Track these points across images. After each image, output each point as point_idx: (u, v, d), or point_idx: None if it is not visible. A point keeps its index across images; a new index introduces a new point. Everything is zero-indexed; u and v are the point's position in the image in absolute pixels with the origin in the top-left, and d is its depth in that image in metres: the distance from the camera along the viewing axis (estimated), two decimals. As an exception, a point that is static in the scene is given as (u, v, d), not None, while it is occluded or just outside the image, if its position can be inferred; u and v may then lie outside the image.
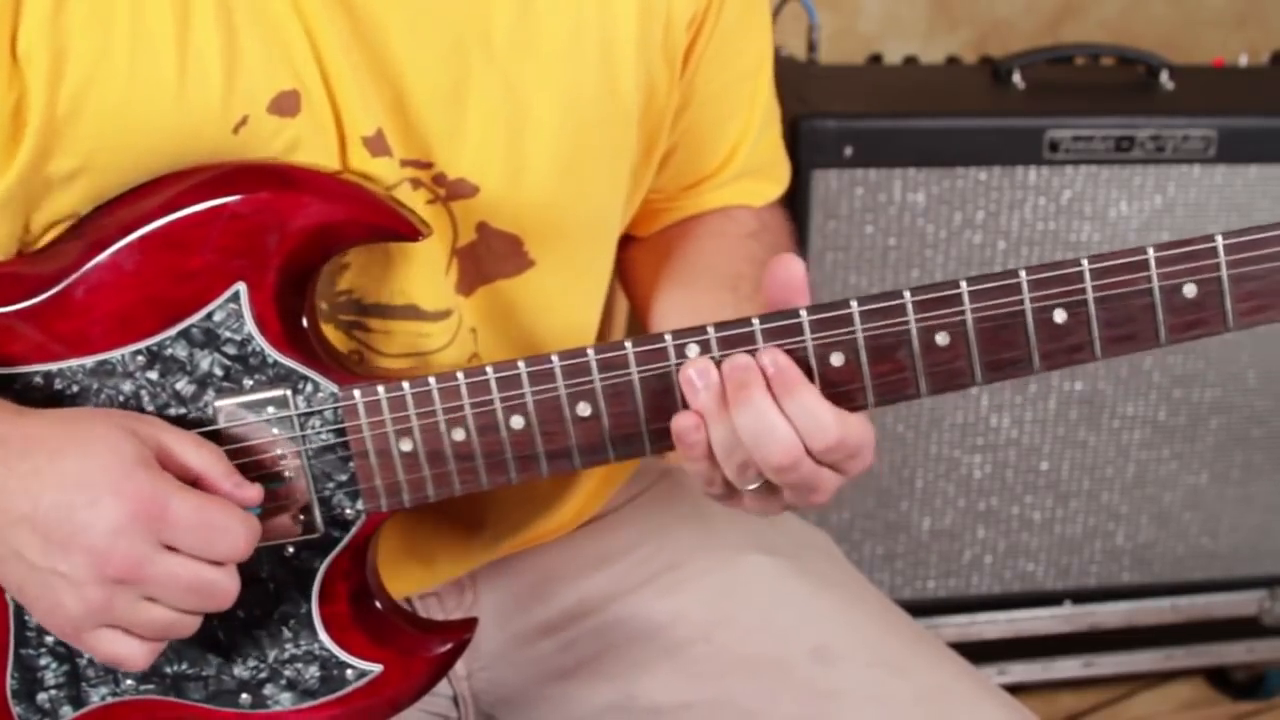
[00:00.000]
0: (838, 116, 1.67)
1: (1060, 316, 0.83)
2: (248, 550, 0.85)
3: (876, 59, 1.94)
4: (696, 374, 0.84)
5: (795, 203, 1.66)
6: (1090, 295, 0.83)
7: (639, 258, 1.11)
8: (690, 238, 1.10)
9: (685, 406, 0.86)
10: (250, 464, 0.90)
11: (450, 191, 0.95)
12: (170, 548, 0.83)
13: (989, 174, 1.70)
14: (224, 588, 0.85)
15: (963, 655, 1.12)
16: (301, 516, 0.91)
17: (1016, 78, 1.79)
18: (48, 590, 0.84)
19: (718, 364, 0.85)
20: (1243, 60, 1.95)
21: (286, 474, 0.90)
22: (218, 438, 0.90)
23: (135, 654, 0.86)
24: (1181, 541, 1.90)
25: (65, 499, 0.82)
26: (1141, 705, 2.04)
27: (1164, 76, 1.81)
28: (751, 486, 0.86)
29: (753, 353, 0.84)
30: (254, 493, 0.87)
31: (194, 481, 0.85)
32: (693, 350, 0.85)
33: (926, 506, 1.83)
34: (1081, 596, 1.91)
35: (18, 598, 0.87)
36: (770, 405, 0.83)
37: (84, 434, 0.84)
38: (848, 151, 1.67)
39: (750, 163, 1.12)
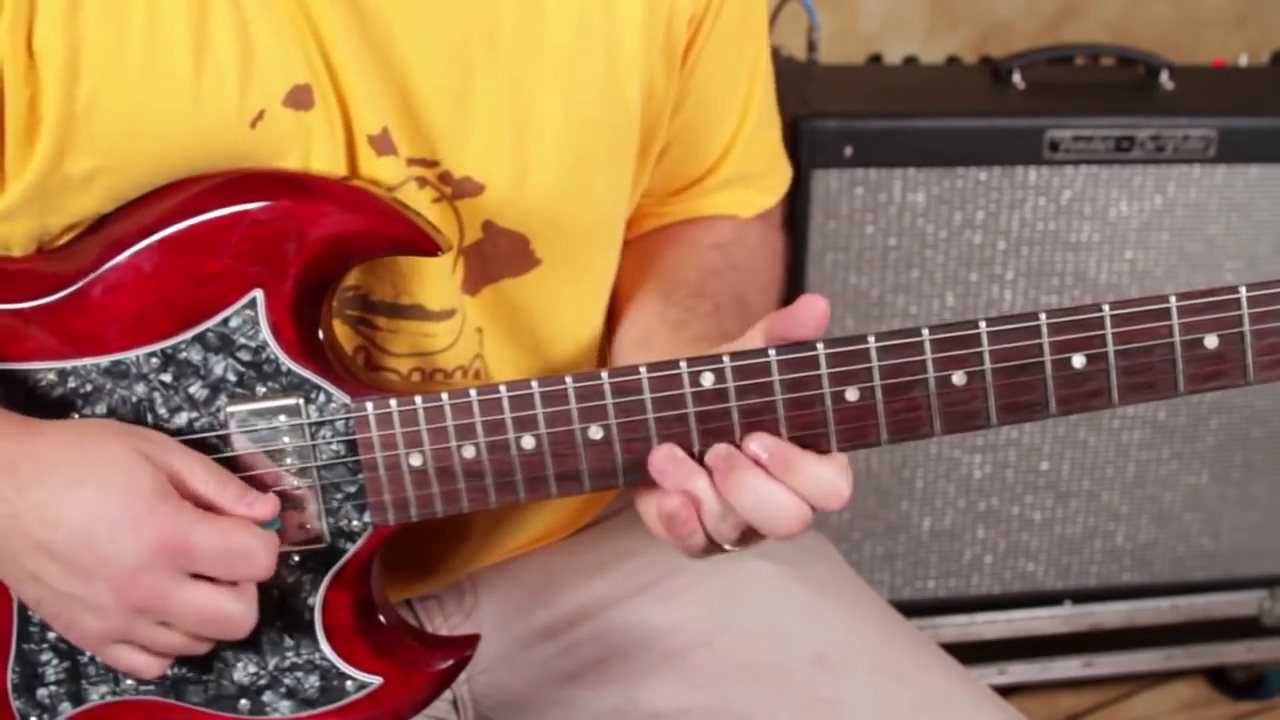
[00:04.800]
0: (838, 116, 1.67)
1: (1079, 362, 0.83)
2: (270, 568, 0.86)
3: (876, 59, 1.94)
4: (662, 460, 0.85)
5: (795, 203, 1.66)
6: (1110, 343, 0.82)
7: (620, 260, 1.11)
8: (659, 244, 1.11)
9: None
10: (259, 472, 0.90)
11: (456, 190, 0.95)
12: (193, 575, 0.84)
13: (989, 174, 1.70)
14: (240, 618, 0.86)
15: (963, 655, 1.11)
16: (308, 526, 0.91)
17: (1016, 78, 1.79)
18: (67, 610, 0.85)
19: (698, 457, 0.85)
20: (1243, 60, 1.95)
21: (295, 483, 0.90)
22: (228, 443, 0.90)
23: (148, 666, 0.88)
24: (1181, 541, 1.90)
25: (85, 530, 0.82)
26: (1141, 705, 2.04)
27: (1164, 76, 1.81)
28: (743, 546, 0.87)
29: (734, 443, 0.85)
30: (270, 506, 0.87)
31: (207, 506, 0.86)
32: (707, 379, 0.85)
33: (926, 506, 1.83)
34: (1081, 596, 1.91)
35: (37, 610, 0.88)
36: (767, 483, 0.83)
37: (98, 460, 0.84)
38: (848, 151, 1.67)
39: (740, 169, 1.12)
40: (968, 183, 1.70)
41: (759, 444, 0.84)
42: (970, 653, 1.84)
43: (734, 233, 1.12)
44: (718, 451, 0.85)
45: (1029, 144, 1.70)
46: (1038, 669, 1.94)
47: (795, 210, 1.66)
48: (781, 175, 1.17)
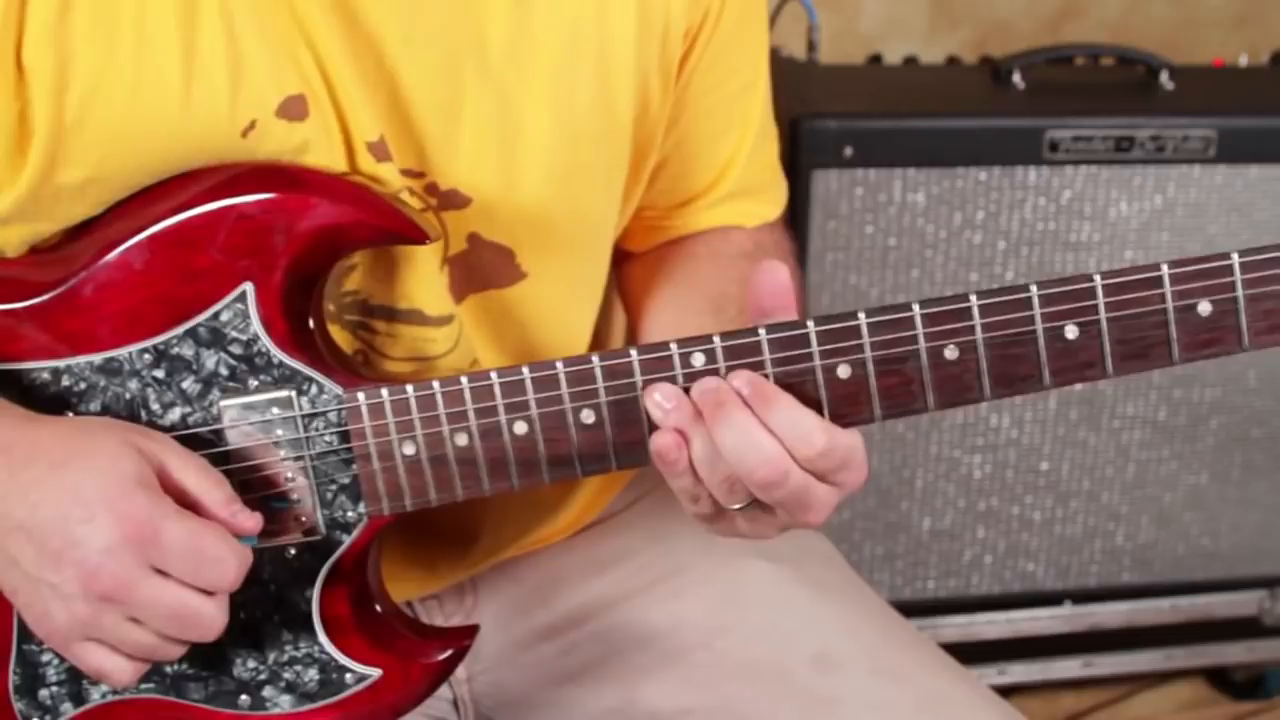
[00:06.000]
0: (838, 116, 1.67)
1: (1072, 333, 0.83)
2: (236, 582, 0.85)
3: (876, 59, 1.94)
4: (663, 398, 0.84)
5: (795, 203, 1.66)
6: (1103, 312, 0.82)
7: (634, 274, 1.11)
8: (682, 257, 1.10)
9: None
10: (253, 465, 0.90)
11: (442, 202, 0.96)
12: (161, 571, 0.83)
13: (989, 174, 1.70)
14: (208, 619, 0.85)
15: (963, 655, 1.11)
16: (303, 518, 0.91)
17: (1016, 78, 1.79)
18: (38, 599, 0.84)
19: (685, 390, 0.85)
20: (1243, 60, 1.95)
21: (289, 475, 0.90)
22: (222, 438, 0.90)
23: (119, 670, 0.86)
24: (1181, 541, 1.90)
25: (62, 512, 0.82)
26: (1141, 705, 2.04)
27: (1164, 76, 1.81)
28: (738, 505, 0.85)
29: (721, 376, 0.84)
30: (252, 522, 0.86)
31: (192, 505, 0.85)
32: (698, 359, 0.85)
33: (926, 506, 1.83)
34: (1081, 596, 1.91)
35: (12, 601, 0.88)
36: (752, 420, 0.83)
37: (88, 446, 0.84)
38: (848, 151, 1.67)
39: (743, 182, 1.12)
40: (968, 183, 1.70)
41: (741, 379, 0.84)
42: (970, 653, 1.84)
43: (753, 241, 1.12)
44: (706, 385, 0.84)
45: (1029, 144, 1.70)
46: (1038, 669, 1.94)
47: (795, 210, 1.66)
48: (781, 188, 1.17)
